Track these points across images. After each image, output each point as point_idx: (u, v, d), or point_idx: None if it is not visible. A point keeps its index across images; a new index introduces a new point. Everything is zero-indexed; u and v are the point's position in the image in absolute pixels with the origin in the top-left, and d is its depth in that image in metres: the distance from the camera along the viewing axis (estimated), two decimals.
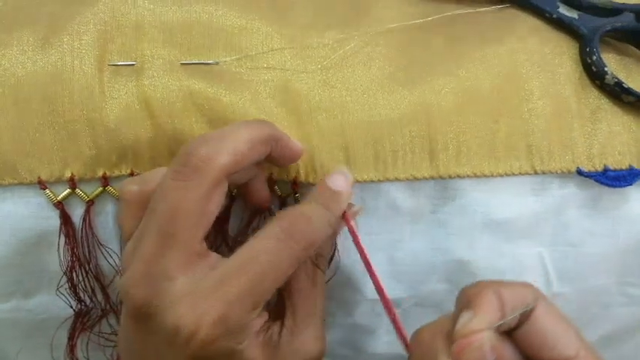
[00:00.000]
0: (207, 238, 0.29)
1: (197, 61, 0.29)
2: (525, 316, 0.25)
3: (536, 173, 0.30)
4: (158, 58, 0.29)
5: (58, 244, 0.29)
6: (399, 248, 0.31)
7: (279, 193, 0.30)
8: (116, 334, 0.33)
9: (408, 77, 0.30)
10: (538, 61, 0.32)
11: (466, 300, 0.25)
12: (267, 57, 0.30)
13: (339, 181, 0.26)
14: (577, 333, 0.25)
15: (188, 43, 0.30)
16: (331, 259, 0.30)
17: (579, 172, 0.30)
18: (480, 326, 0.24)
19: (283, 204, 0.30)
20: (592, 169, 0.30)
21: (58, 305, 0.32)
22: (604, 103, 0.31)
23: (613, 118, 0.31)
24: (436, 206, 0.31)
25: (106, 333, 0.33)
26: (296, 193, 0.29)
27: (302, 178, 0.29)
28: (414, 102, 0.30)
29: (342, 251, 0.31)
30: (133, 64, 0.29)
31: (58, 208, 0.28)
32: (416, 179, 0.30)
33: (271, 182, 0.29)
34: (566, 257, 0.32)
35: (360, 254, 0.27)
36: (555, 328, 0.24)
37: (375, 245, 0.31)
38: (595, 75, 0.31)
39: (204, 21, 0.30)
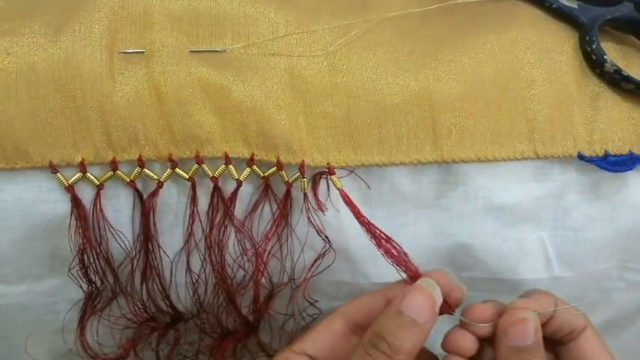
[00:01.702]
0: (213, 221, 0.30)
1: (205, 49, 0.30)
2: (573, 336, 0.28)
3: (538, 157, 0.31)
4: (167, 45, 0.30)
5: (69, 227, 0.30)
6: (402, 233, 0.32)
7: (286, 179, 0.30)
8: (125, 318, 0.34)
9: (412, 63, 0.31)
10: (539, 50, 0.32)
11: (526, 294, 0.28)
12: (274, 44, 0.31)
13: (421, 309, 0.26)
14: None
15: (196, 31, 0.30)
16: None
17: (580, 157, 0.31)
18: (532, 306, 0.27)
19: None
20: (593, 154, 0.31)
21: (69, 288, 0.32)
22: (604, 91, 0.32)
23: (613, 105, 0.32)
24: (439, 191, 0.32)
25: (115, 316, 0.34)
26: (303, 177, 0.30)
27: (309, 162, 0.30)
28: (418, 88, 0.30)
29: (347, 236, 0.31)
30: (142, 52, 0.30)
31: (69, 192, 0.29)
32: (420, 163, 0.31)
33: (279, 165, 0.30)
34: (566, 242, 0.33)
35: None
36: (597, 354, 0.27)
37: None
38: (595, 63, 0.32)
39: (211, 9, 0.31)
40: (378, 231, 0.29)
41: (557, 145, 0.31)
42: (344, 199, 0.29)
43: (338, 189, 0.30)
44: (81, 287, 0.32)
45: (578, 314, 0.28)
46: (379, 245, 0.29)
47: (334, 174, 0.30)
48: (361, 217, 0.29)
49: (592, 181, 0.32)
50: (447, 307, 0.28)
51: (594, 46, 0.32)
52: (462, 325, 0.28)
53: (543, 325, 0.27)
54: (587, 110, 0.32)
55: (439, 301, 0.27)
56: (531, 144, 0.31)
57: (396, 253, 0.28)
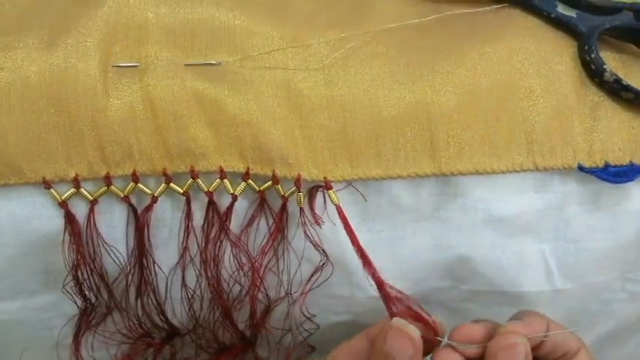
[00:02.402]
0: (208, 236, 0.30)
1: (200, 62, 0.30)
2: (566, 358, 0.27)
3: (537, 169, 0.31)
4: (162, 59, 0.29)
5: (63, 243, 0.29)
6: (401, 246, 0.32)
7: (282, 193, 0.30)
8: (120, 333, 0.33)
9: (409, 76, 0.31)
10: (537, 60, 0.32)
11: (518, 316, 0.28)
12: (269, 57, 0.30)
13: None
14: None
15: (191, 45, 0.30)
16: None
17: (580, 168, 0.31)
18: (523, 331, 0.26)
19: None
20: (593, 165, 0.31)
21: (63, 304, 0.32)
22: (603, 100, 0.32)
23: (613, 115, 0.31)
24: (438, 203, 0.31)
25: (109, 331, 0.33)
26: (300, 191, 0.30)
27: (305, 176, 0.29)
28: (414, 100, 0.30)
29: (345, 249, 0.31)
30: (136, 66, 0.29)
31: (62, 208, 0.29)
32: (418, 176, 0.30)
33: (275, 179, 0.29)
34: (567, 253, 0.32)
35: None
36: None
37: (378, 243, 0.32)
38: (594, 73, 0.32)
39: (206, 22, 0.30)
40: (368, 258, 0.29)
41: (556, 157, 0.31)
42: (340, 216, 0.29)
43: (335, 204, 0.29)
44: (75, 303, 0.32)
45: (572, 336, 0.28)
46: (369, 272, 0.28)
47: (331, 188, 0.29)
48: (354, 239, 0.29)
49: (592, 192, 0.32)
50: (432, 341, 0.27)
51: (593, 56, 0.32)
52: (451, 346, 0.28)
53: (535, 348, 0.27)
54: (587, 120, 0.31)
55: (417, 337, 0.27)
56: (530, 156, 0.31)
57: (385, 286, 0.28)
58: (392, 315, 0.28)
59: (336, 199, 0.29)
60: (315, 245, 0.30)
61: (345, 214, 0.29)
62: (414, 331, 0.27)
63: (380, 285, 0.28)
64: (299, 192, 0.29)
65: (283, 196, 0.30)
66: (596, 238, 0.32)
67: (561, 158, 0.31)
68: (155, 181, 0.29)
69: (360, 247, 0.29)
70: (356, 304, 0.33)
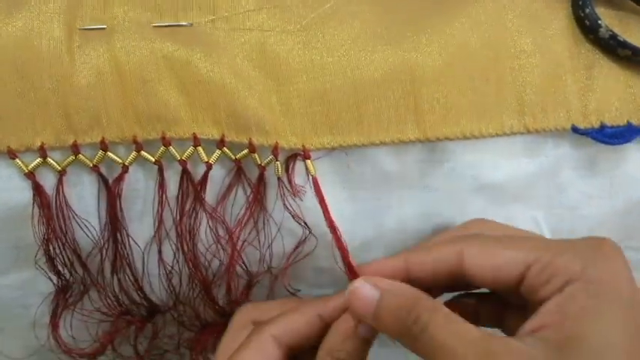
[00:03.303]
0: (183, 207, 0.29)
1: (170, 24, 0.28)
2: (458, 269, 0.25)
3: (528, 132, 0.29)
4: (129, 21, 0.28)
5: (32, 216, 0.28)
6: (386, 215, 0.30)
7: (259, 162, 0.28)
8: (99, 311, 0.32)
9: (392, 36, 0.29)
10: (528, 17, 0.30)
11: None
12: (244, 18, 0.29)
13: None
14: (519, 247, 0.24)
15: (160, 5, 0.28)
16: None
17: (574, 130, 0.29)
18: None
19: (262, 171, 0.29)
20: (588, 126, 0.29)
21: (39, 281, 0.31)
22: (599, 58, 0.30)
23: (609, 73, 0.30)
24: (425, 170, 0.30)
25: (88, 309, 0.32)
26: (277, 160, 0.28)
27: (283, 144, 0.28)
28: (397, 61, 0.29)
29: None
30: (103, 28, 0.28)
31: (29, 179, 0.28)
32: (402, 142, 0.29)
33: (251, 148, 0.28)
34: (562, 221, 0.31)
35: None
36: (491, 262, 0.24)
37: (363, 213, 0.30)
38: (588, 29, 0.30)
39: None
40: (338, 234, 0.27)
41: (548, 118, 0.29)
42: (314, 188, 0.28)
43: (311, 175, 0.28)
44: (50, 280, 0.31)
45: (448, 246, 0.25)
46: (339, 247, 0.27)
47: (309, 158, 0.28)
48: (327, 214, 0.27)
49: (588, 156, 0.30)
50: None
51: (587, 11, 0.30)
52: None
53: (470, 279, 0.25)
54: (581, 79, 0.30)
55: None
56: (521, 118, 0.29)
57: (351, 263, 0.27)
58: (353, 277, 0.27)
59: (313, 170, 0.28)
60: (295, 217, 0.29)
61: (320, 187, 0.27)
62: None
63: (349, 269, 0.27)
64: (277, 161, 0.28)
65: (260, 165, 0.28)
66: (592, 204, 0.31)
67: (554, 119, 0.29)
68: (125, 149, 0.28)
69: (333, 223, 0.27)
70: (338, 278, 0.31)
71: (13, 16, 0.27)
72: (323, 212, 0.27)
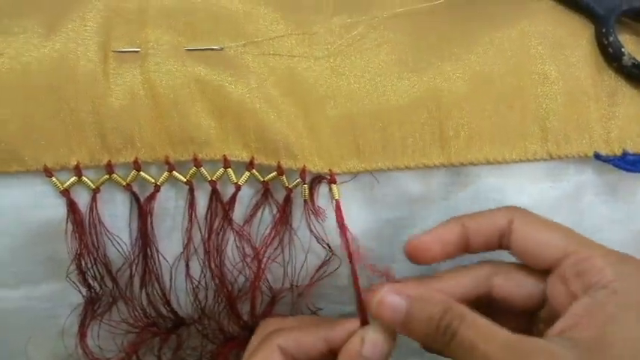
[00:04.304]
0: (212, 225, 0.29)
1: (202, 47, 0.29)
2: (507, 234, 0.26)
3: (552, 158, 0.29)
4: (163, 44, 0.29)
5: (66, 232, 0.29)
6: (409, 235, 0.31)
7: (286, 184, 0.29)
8: (126, 323, 0.33)
9: (417, 63, 0.30)
10: (552, 44, 0.31)
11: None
12: (273, 43, 0.29)
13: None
14: (563, 234, 0.26)
15: (192, 29, 0.29)
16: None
17: (597, 157, 0.29)
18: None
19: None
20: (610, 154, 0.29)
21: (68, 293, 0.32)
22: (621, 86, 0.30)
23: (631, 101, 0.30)
24: (448, 193, 0.31)
25: (115, 321, 0.33)
26: (304, 184, 0.29)
27: (311, 167, 0.29)
28: (423, 88, 0.29)
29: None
30: (137, 51, 0.29)
31: (64, 196, 0.28)
32: (427, 167, 0.29)
33: (280, 170, 0.29)
34: None
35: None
36: (536, 237, 0.26)
37: (385, 233, 0.31)
38: (612, 57, 0.30)
39: (208, 5, 0.30)
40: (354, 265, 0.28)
41: (572, 145, 0.29)
42: (336, 212, 0.28)
43: (334, 199, 0.28)
44: (80, 292, 0.32)
45: (497, 215, 0.27)
46: (353, 275, 0.28)
47: (335, 182, 0.29)
48: (345, 239, 0.27)
49: (609, 182, 0.30)
50: None
51: (611, 39, 0.30)
52: None
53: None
54: (604, 107, 0.30)
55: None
56: (544, 144, 0.29)
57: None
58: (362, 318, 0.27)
59: (337, 194, 0.28)
60: (319, 240, 0.30)
61: (343, 212, 0.28)
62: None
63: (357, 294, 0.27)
64: (304, 184, 0.29)
65: (287, 187, 0.29)
66: (612, 229, 0.31)
67: (577, 146, 0.29)
68: (157, 169, 0.29)
69: (350, 251, 0.28)
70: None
71: (50, 38, 0.28)
72: (341, 237, 0.28)
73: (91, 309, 0.33)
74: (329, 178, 0.29)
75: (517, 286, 0.27)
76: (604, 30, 0.31)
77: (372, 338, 0.26)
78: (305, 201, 0.29)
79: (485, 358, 0.23)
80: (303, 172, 0.28)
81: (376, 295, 0.26)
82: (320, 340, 0.28)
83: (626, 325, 0.23)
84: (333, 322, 0.28)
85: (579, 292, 0.24)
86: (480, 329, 0.24)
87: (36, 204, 0.29)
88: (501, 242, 0.27)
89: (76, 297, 0.32)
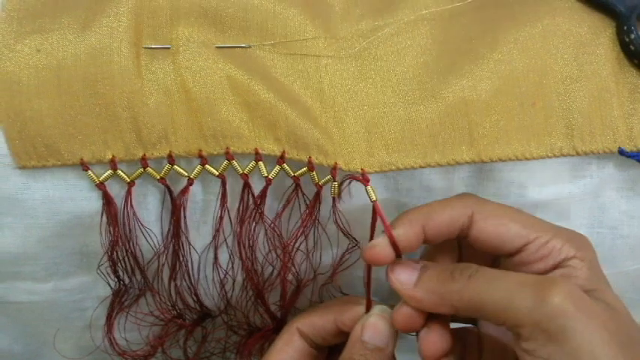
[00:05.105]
0: (243, 218, 0.30)
1: (232, 45, 0.29)
2: (467, 226, 0.27)
3: (577, 154, 0.30)
4: (193, 41, 0.29)
5: (100, 224, 0.30)
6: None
7: (317, 181, 0.30)
8: (152, 315, 0.34)
9: (443, 64, 0.30)
10: (573, 43, 0.31)
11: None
12: (302, 45, 0.30)
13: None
14: (522, 224, 0.26)
15: (222, 26, 0.30)
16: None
17: (621, 152, 0.30)
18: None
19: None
20: (633, 149, 0.30)
21: (96, 285, 0.32)
22: None
23: None
24: (470, 187, 0.31)
25: (142, 313, 0.34)
26: (335, 181, 0.29)
27: (342, 165, 0.29)
28: (449, 89, 0.30)
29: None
30: (168, 48, 0.29)
31: (100, 189, 0.29)
32: (458, 164, 0.30)
33: (310, 166, 0.29)
34: (603, 240, 0.32)
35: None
36: (497, 230, 0.27)
37: None
38: (633, 54, 0.31)
39: (239, 4, 0.30)
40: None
41: (596, 141, 0.30)
42: (374, 214, 0.28)
43: (372, 201, 0.28)
44: (108, 284, 0.32)
45: (457, 208, 0.27)
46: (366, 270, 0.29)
47: (369, 182, 0.29)
48: (391, 236, 0.27)
49: (631, 178, 0.31)
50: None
51: (633, 36, 0.31)
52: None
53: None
54: (626, 103, 0.31)
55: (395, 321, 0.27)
56: (570, 140, 0.30)
57: None
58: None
59: (374, 196, 0.28)
60: (346, 234, 0.30)
61: (382, 212, 0.28)
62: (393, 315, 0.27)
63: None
64: (334, 181, 0.29)
65: (318, 183, 0.29)
66: (632, 224, 0.32)
67: (602, 142, 0.30)
68: (186, 163, 0.29)
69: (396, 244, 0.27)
70: (380, 287, 0.33)
71: (85, 34, 0.29)
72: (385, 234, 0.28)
73: (119, 301, 0.33)
74: (361, 177, 0.29)
75: (496, 233, 0.27)
76: (625, 27, 0.31)
77: (372, 323, 0.28)
78: (334, 198, 0.29)
79: (507, 291, 0.24)
80: (334, 169, 0.29)
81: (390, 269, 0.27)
82: (330, 322, 0.30)
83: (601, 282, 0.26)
84: (343, 306, 0.30)
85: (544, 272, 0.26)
86: (495, 271, 0.25)
87: (68, 197, 0.29)
88: (460, 234, 0.28)
89: (103, 290, 0.33)
